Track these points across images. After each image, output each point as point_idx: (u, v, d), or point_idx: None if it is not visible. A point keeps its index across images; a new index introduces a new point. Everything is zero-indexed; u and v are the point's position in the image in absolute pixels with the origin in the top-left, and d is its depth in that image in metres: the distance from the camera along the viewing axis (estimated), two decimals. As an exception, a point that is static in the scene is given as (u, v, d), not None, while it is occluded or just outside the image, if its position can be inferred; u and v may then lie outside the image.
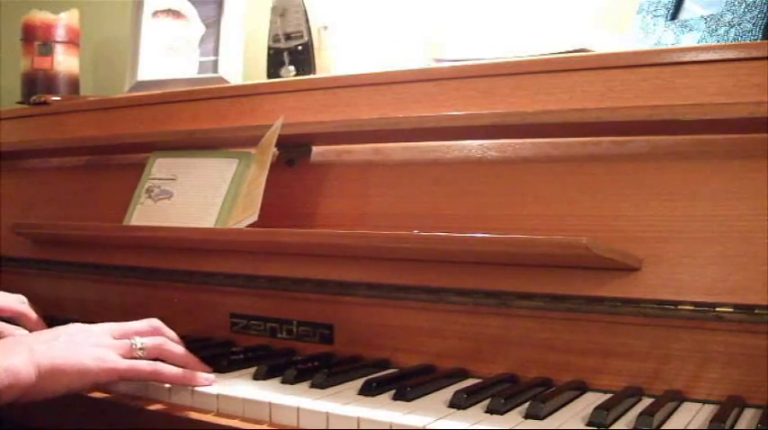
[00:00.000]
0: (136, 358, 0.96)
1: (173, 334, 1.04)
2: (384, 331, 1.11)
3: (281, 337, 1.19)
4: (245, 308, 1.23)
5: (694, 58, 0.92)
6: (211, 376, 0.98)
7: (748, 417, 0.84)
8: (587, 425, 0.81)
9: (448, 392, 0.91)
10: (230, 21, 1.64)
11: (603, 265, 0.95)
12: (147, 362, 0.96)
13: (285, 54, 1.41)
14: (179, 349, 1.00)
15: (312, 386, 0.95)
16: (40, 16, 1.80)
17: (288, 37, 1.43)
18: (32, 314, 1.20)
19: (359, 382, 0.95)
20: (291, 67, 1.40)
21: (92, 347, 0.94)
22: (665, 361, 0.93)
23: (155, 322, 1.03)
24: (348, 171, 1.22)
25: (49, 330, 0.99)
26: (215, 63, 1.64)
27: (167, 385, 0.97)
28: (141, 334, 0.99)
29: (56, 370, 0.89)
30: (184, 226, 1.27)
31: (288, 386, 0.96)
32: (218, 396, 0.93)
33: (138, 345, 0.97)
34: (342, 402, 0.88)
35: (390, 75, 1.15)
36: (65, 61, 1.80)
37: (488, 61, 1.11)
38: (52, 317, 1.34)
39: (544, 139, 1.06)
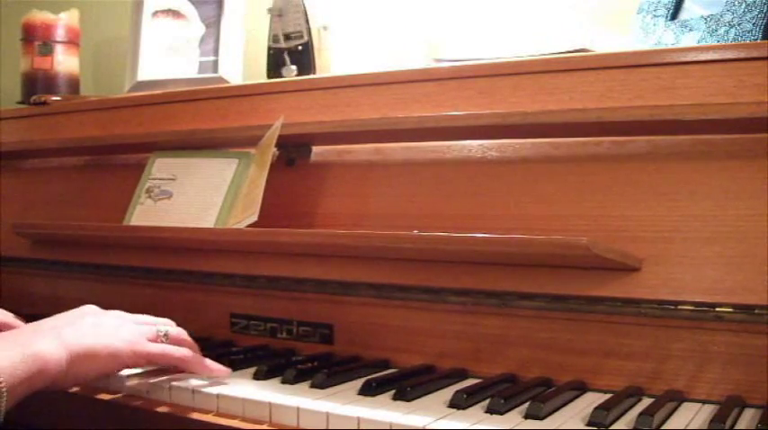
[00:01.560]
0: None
1: None
2: (384, 331, 1.11)
3: (281, 337, 1.19)
4: (245, 308, 1.23)
5: (694, 58, 0.92)
6: (224, 369, 0.98)
7: (748, 417, 0.84)
8: (587, 425, 0.81)
9: (448, 392, 0.91)
10: (230, 21, 1.64)
11: (603, 265, 0.95)
12: (177, 348, 0.96)
13: (286, 54, 1.41)
14: (191, 341, 1.02)
15: (312, 386, 0.95)
16: (40, 16, 1.80)
17: (288, 37, 1.43)
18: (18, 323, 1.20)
19: (359, 382, 0.95)
20: (293, 67, 1.40)
21: (118, 329, 0.93)
22: (665, 361, 0.93)
23: (167, 321, 1.04)
24: (348, 171, 1.22)
25: (70, 312, 0.97)
26: (215, 63, 1.64)
27: (177, 381, 0.97)
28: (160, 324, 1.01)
29: (88, 353, 0.87)
30: (184, 226, 1.27)
31: (288, 386, 0.96)
32: (218, 396, 0.93)
33: (163, 332, 0.98)
34: (342, 402, 0.88)
35: (390, 75, 1.15)
36: (65, 61, 1.80)
37: (488, 61, 1.11)
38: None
39: (544, 139, 1.06)
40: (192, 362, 0.97)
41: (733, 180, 0.92)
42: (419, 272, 1.07)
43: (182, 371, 0.99)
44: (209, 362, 0.98)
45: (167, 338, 0.98)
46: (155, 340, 0.97)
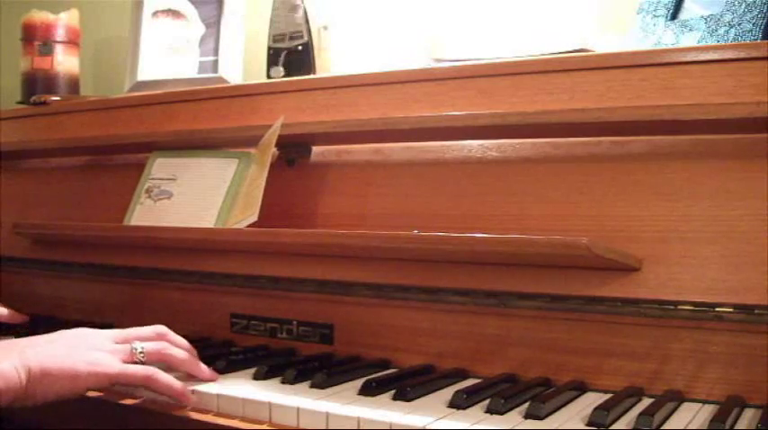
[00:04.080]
0: (136, 363, 0.94)
1: (180, 339, 1.02)
2: (384, 331, 1.11)
3: (281, 337, 1.19)
4: (245, 308, 1.23)
5: (694, 58, 0.92)
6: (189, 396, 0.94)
7: (748, 417, 0.84)
8: (587, 425, 0.81)
9: (448, 392, 0.91)
10: (230, 21, 1.64)
11: (603, 266, 0.95)
12: (142, 367, 0.93)
13: (283, 54, 1.41)
14: (181, 353, 0.98)
15: (312, 386, 0.95)
16: (40, 16, 1.80)
17: (288, 37, 1.43)
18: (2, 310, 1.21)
19: (359, 382, 0.95)
20: (281, 68, 1.40)
21: (87, 351, 0.91)
22: (665, 361, 0.93)
23: (160, 328, 1.01)
24: (348, 171, 1.22)
25: (48, 334, 0.96)
26: (215, 63, 1.64)
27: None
28: (143, 339, 0.97)
29: (45, 374, 0.86)
30: (184, 226, 1.27)
31: (288, 386, 0.96)
32: (218, 396, 0.93)
33: (139, 349, 0.95)
34: (342, 402, 0.88)
35: (390, 75, 1.15)
36: (65, 61, 1.80)
37: (488, 61, 1.11)
38: (53, 317, 1.35)
39: (544, 139, 1.06)
40: (159, 382, 0.92)
41: (733, 180, 0.92)
42: (419, 272, 1.07)
43: (176, 371, 0.97)
44: (174, 383, 0.93)
45: (144, 356, 0.95)
46: (129, 360, 0.94)
